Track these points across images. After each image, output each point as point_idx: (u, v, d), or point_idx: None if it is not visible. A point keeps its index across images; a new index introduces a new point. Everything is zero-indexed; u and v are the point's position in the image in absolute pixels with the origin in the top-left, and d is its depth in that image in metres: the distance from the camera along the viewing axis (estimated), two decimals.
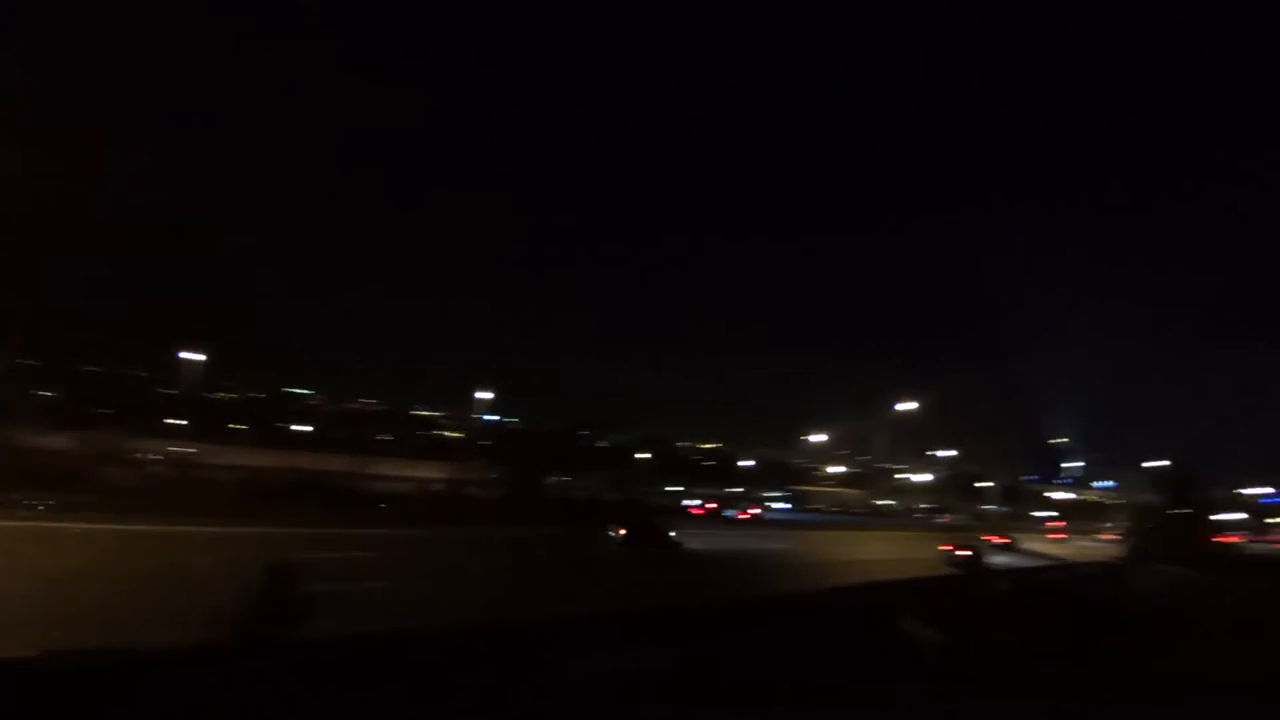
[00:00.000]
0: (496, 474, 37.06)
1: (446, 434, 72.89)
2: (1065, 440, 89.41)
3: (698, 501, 50.19)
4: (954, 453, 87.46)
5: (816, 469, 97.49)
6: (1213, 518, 63.09)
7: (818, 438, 79.55)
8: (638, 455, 56.96)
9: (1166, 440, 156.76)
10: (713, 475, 77.60)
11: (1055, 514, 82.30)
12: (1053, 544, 53.26)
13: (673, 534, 27.09)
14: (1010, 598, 20.23)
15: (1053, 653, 11.43)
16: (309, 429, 64.41)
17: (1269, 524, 78.22)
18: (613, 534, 25.77)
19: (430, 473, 39.98)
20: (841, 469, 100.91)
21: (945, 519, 60.26)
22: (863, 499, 66.99)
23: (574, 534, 26.62)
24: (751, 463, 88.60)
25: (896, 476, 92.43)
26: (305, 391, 72.64)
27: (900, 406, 59.60)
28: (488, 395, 57.96)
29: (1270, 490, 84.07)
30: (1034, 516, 76.79)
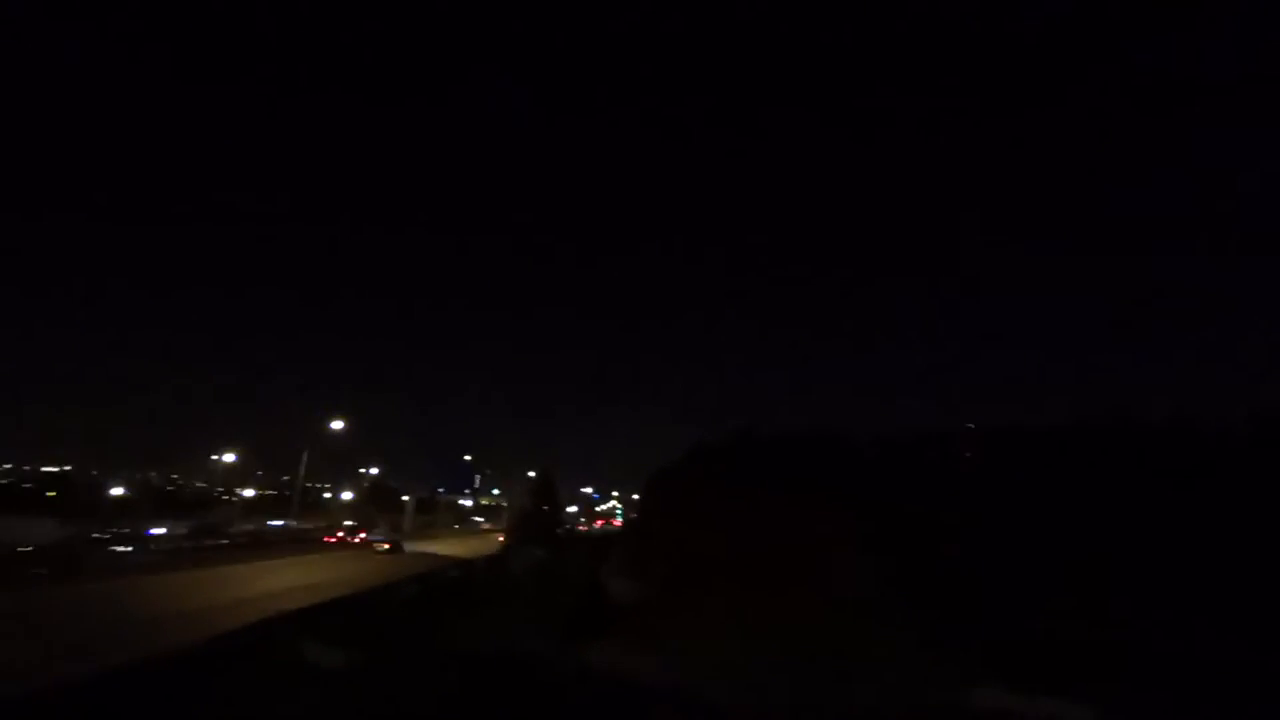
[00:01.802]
0: None
1: None
2: (469, 459, 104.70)
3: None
4: (376, 470, 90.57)
5: (227, 493, 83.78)
6: (568, 510, 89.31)
7: (228, 458, 68.74)
8: None
9: (538, 453, 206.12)
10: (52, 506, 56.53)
11: (481, 519, 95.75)
12: (458, 544, 60.77)
13: None
14: (419, 595, 22.56)
15: (443, 625, 15.00)
16: None
17: (597, 511, 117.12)
18: None
19: None
20: (251, 492, 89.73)
21: (361, 535, 60.90)
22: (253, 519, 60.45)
23: None
24: (121, 490, 68.92)
25: (325, 496, 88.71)
26: None
27: (334, 425, 57.85)
28: None
29: (591, 489, 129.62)
30: (464, 522, 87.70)
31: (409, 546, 53.02)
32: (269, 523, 60.18)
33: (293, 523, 53.90)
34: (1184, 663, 8.06)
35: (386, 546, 50.28)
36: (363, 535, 56.93)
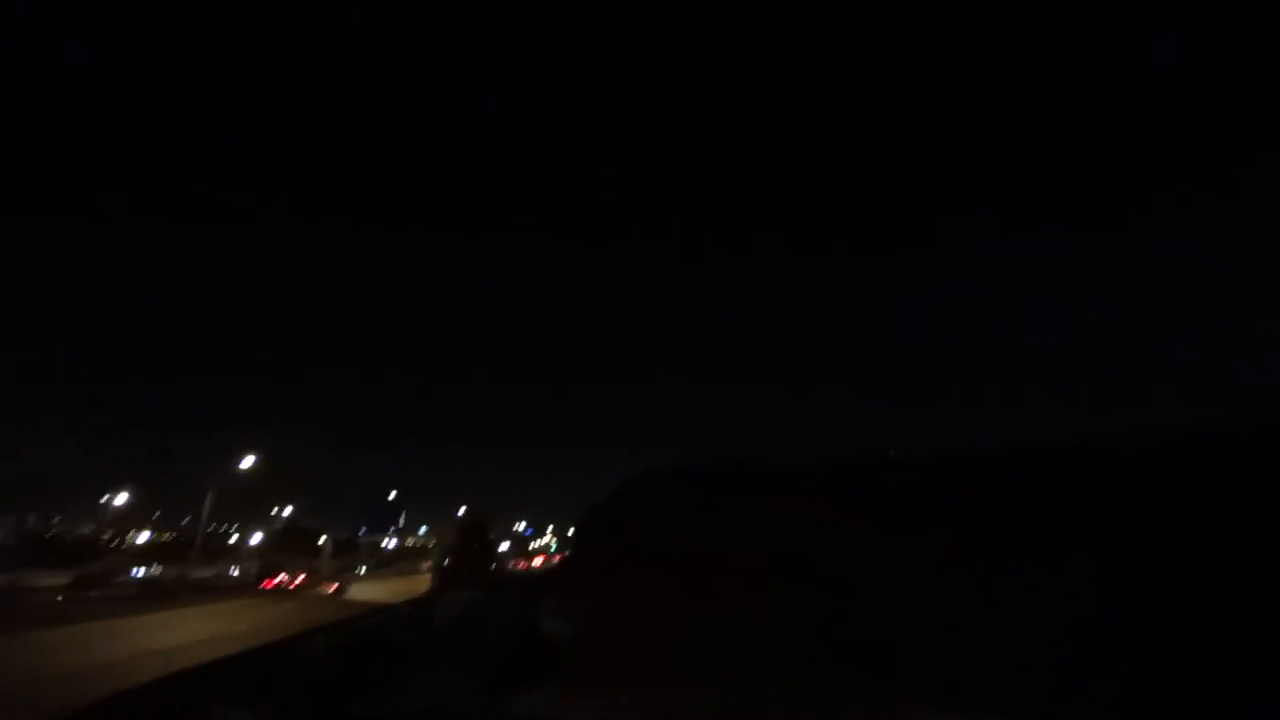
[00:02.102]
0: None
1: None
2: (394, 495, 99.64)
3: None
4: (291, 509, 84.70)
5: (117, 537, 76.14)
6: (500, 549, 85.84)
7: (121, 498, 62.60)
8: None
9: (465, 488, 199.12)
10: None
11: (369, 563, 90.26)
12: (380, 587, 57.35)
13: None
14: (334, 649, 21.06)
15: (359, 681, 13.69)
16: None
17: (531, 550, 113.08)
18: None
19: None
20: (146, 535, 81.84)
21: (276, 580, 56.76)
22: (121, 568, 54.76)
23: None
24: None
25: (233, 539, 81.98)
26: None
27: (243, 462, 53.69)
28: None
29: (523, 525, 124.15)
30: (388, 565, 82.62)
31: (323, 591, 49.82)
32: (149, 571, 55.16)
33: (192, 570, 49.19)
34: (1130, 681, 8.44)
35: (334, 588, 51.99)
36: (302, 578, 55.04)
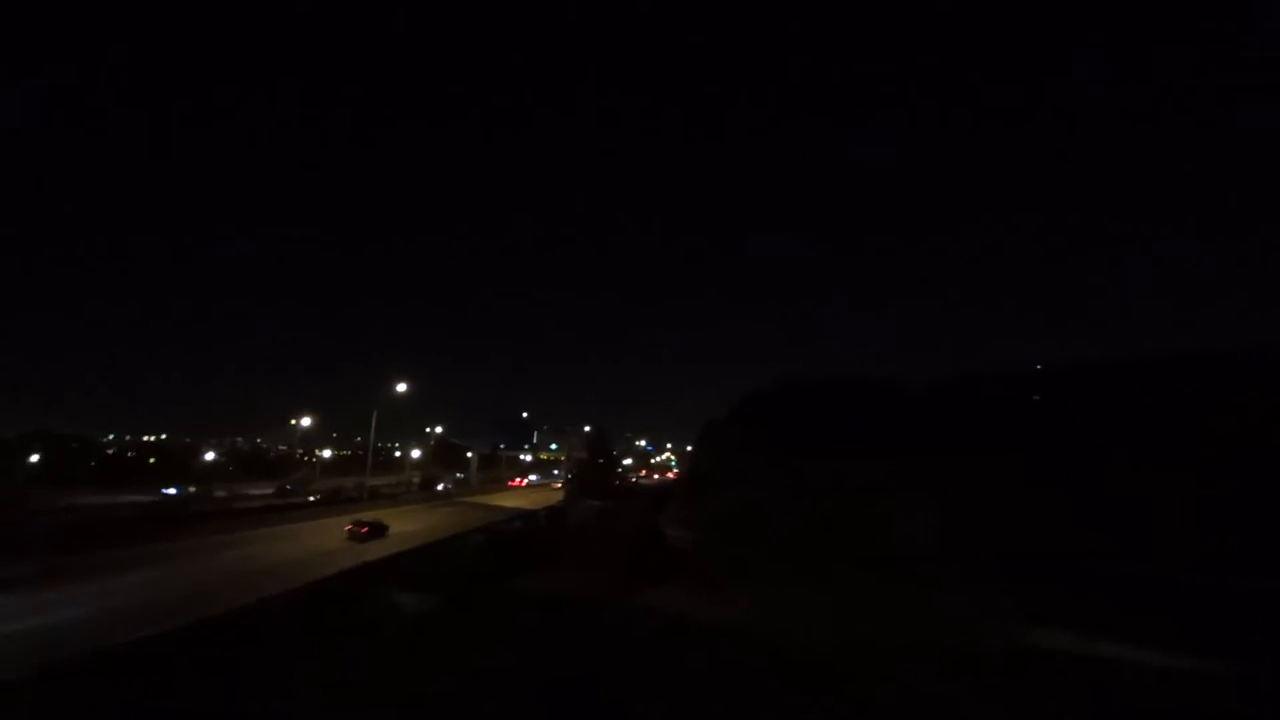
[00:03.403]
0: None
1: None
2: (525, 414, 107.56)
3: None
4: (440, 428, 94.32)
5: (306, 454, 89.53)
6: (624, 463, 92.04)
7: (305, 422, 73.02)
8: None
9: (591, 408, 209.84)
10: (154, 472, 62.17)
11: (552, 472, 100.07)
12: (520, 497, 63.11)
13: None
14: (486, 546, 23.96)
15: (502, 577, 15.59)
16: None
17: (652, 464, 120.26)
18: None
19: None
20: (329, 452, 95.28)
21: (441, 487, 65.13)
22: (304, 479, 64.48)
23: None
24: (212, 455, 74.98)
25: (396, 454, 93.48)
26: None
27: (398, 387, 60.19)
28: None
29: (644, 442, 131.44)
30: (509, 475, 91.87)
31: (473, 499, 55.62)
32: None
33: (369, 480, 56.84)
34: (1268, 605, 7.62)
35: (524, 482, 74.39)
36: (531, 479, 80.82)
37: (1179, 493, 9.44)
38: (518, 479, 77.90)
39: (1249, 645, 7.12)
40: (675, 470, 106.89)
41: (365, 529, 29.12)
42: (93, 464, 65.04)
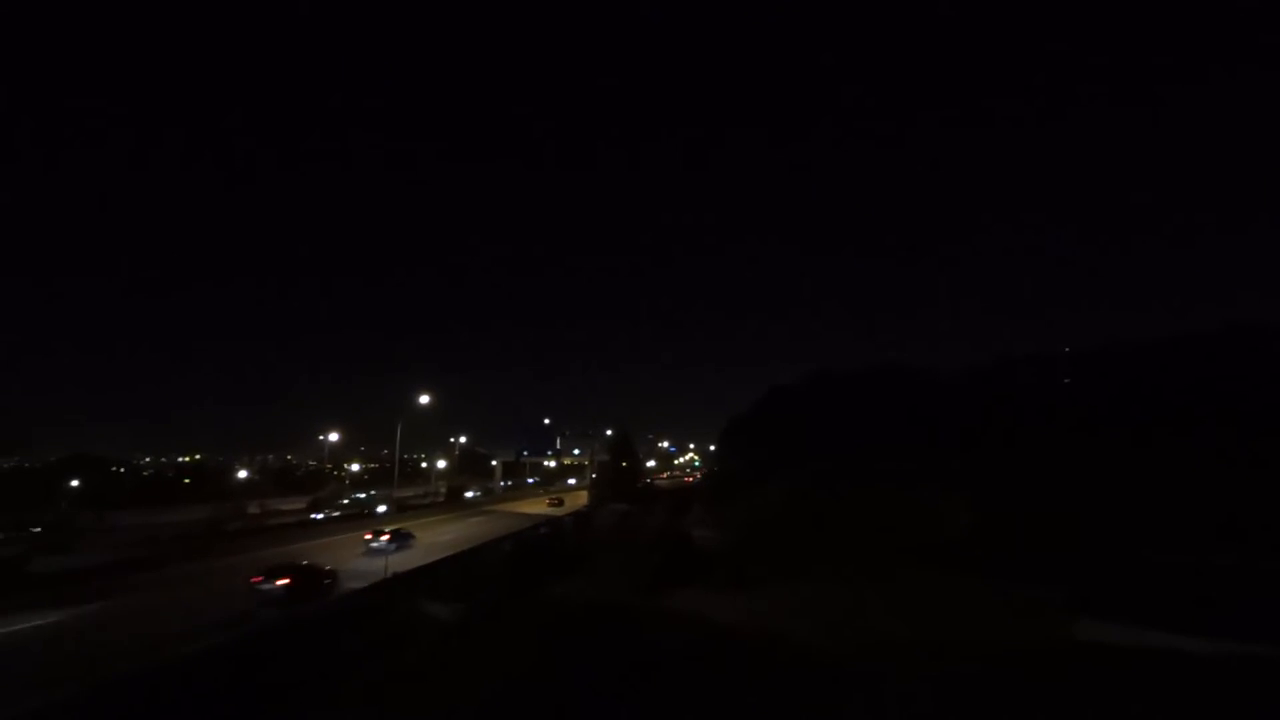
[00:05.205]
0: None
1: None
2: (547, 421, 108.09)
3: None
4: (464, 438, 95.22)
5: (335, 468, 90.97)
6: (648, 465, 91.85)
7: (333, 437, 74.22)
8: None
9: (613, 412, 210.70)
10: (188, 493, 63.65)
11: (574, 481, 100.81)
12: (545, 504, 63.31)
13: None
14: (514, 554, 23.97)
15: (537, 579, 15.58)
16: None
17: (675, 465, 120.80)
18: None
19: None
20: (357, 466, 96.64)
21: (469, 494, 66.17)
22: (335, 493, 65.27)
23: None
24: (244, 473, 76.48)
25: (423, 465, 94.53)
26: None
27: (421, 399, 60.87)
28: None
29: (667, 443, 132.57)
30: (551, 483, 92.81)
31: (500, 507, 55.94)
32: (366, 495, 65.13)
33: (395, 492, 57.51)
34: None
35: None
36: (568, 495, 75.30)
37: (1215, 475, 9.10)
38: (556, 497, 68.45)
39: None
40: (700, 470, 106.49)
41: (388, 536, 28.06)
42: (130, 485, 66.84)
